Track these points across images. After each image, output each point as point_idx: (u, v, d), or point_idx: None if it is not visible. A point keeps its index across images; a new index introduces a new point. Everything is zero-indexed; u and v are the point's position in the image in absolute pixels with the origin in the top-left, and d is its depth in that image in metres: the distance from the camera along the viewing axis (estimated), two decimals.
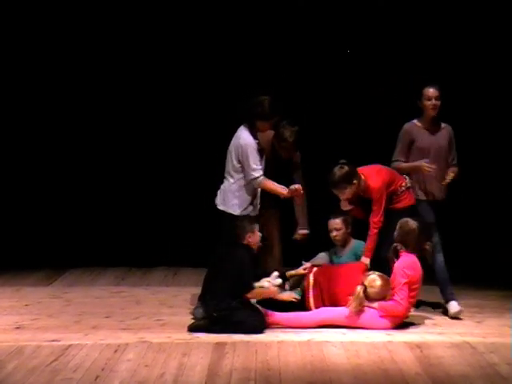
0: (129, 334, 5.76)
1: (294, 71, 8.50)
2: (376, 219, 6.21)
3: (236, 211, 6.23)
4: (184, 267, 8.29)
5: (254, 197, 6.32)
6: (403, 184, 6.36)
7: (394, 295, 5.88)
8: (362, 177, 6.25)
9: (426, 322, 6.19)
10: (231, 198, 6.28)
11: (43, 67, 8.59)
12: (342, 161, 6.25)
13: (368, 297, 5.88)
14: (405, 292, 5.84)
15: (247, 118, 6.30)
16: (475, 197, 8.58)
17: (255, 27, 8.46)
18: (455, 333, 5.83)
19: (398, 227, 6.03)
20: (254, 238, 6.00)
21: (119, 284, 7.76)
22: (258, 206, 6.39)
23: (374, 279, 5.93)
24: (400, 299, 5.84)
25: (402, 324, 5.98)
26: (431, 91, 6.49)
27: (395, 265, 5.95)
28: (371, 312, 5.90)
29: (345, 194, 6.26)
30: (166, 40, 8.55)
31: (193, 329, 5.84)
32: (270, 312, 5.97)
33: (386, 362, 5.11)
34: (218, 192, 6.40)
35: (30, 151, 8.73)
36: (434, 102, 6.48)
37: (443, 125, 6.60)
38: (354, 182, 6.21)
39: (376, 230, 6.22)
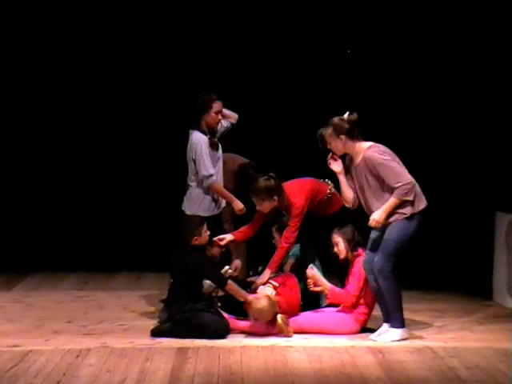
0: (91, 339, 5.72)
1: (293, 72, 8.55)
2: (288, 234, 6.11)
3: (204, 214, 6.30)
4: (147, 271, 8.25)
5: (216, 196, 6.43)
6: (327, 191, 6.27)
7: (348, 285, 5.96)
8: (285, 194, 6.16)
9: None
10: (196, 204, 6.36)
11: (43, 68, 8.56)
12: (271, 174, 6.18)
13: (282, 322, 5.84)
14: (359, 287, 5.90)
15: (193, 121, 6.39)
16: (433, 199, 8.70)
17: (253, 29, 8.50)
18: (416, 337, 5.89)
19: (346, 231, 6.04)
20: (201, 239, 5.96)
21: (82, 288, 7.70)
22: (222, 202, 6.46)
23: (262, 310, 5.83)
24: (352, 290, 5.90)
25: (364, 329, 6.02)
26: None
27: (355, 265, 5.99)
28: (337, 317, 5.94)
29: (262, 206, 6.17)
30: (152, 45, 8.58)
31: (156, 332, 5.82)
32: (233, 318, 5.97)
33: (348, 366, 5.14)
34: (185, 198, 6.47)
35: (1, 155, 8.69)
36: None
37: (362, 154, 5.73)
38: (275, 198, 6.12)
39: (286, 245, 6.12)
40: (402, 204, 5.65)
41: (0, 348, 5.41)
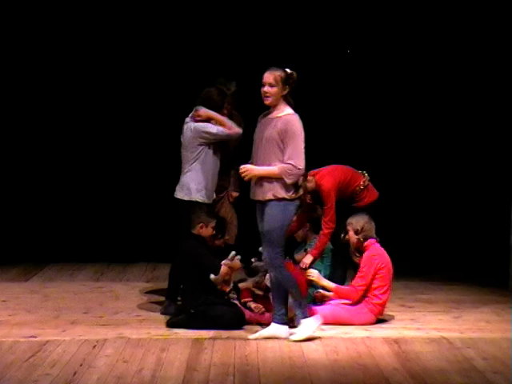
0: (107, 329, 5.75)
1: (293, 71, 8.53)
2: (327, 219, 6.11)
3: (192, 195, 6.20)
4: (163, 262, 8.26)
5: (207, 181, 6.27)
6: (361, 183, 6.28)
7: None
8: (313, 179, 6.18)
9: (404, 317, 6.22)
10: (188, 184, 6.25)
11: (43, 67, 8.62)
12: None
13: None
14: (364, 280, 5.89)
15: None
16: (450, 190, 8.70)
17: (253, 28, 8.49)
18: (432, 328, 5.87)
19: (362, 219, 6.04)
20: (206, 231, 5.97)
21: (98, 279, 7.74)
22: (214, 194, 6.40)
23: None
24: (357, 285, 5.89)
25: (380, 320, 6.01)
26: (265, 76, 5.47)
27: (364, 255, 6.00)
28: (352, 308, 5.93)
29: None
30: (155, 42, 8.59)
31: (171, 324, 5.83)
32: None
33: (365, 357, 5.14)
34: (178, 187, 6.37)
35: (7, 148, 8.72)
36: (265, 88, 5.45)
37: (286, 113, 5.46)
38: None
39: (327, 231, 6.11)
40: (279, 186, 5.39)
41: (18, 338, 5.45)
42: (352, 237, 6.03)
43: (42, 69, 8.64)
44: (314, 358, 5.10)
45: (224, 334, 5.60)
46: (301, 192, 5.51)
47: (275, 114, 5.48)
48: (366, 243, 6.00)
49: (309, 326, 5.48)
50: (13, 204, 8.73)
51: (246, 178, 5.47)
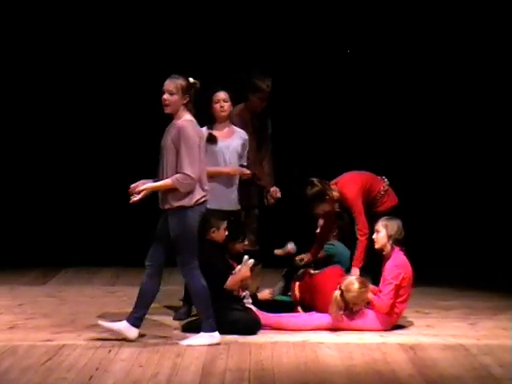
0: None
1: (293, 71, 8.53)
2: (358, 226, 6.14)
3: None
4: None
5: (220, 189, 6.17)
6: (381, 188, 6.30)
7: (380, 291, 5.92)
8: (336, 188, 6.22)
9: (420, 323, 6.20)
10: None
11: (43, 67, 8.68)
12: (312, 179, 6.20)
13: (347, 301, 5.84)
14: (390, 288, 5.85)
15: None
16: (473, 196, 8.67)
17: (253, 27, 8.49)
18: (449, 335, 5.84)
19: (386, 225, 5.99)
20: (219, 234, 5.92)
21: (114, 283, 7.77)
22: (235, 201, 6.29)
23: (351, 282, 5.86)
24: (383, 295, 5.86)
25: (396, 326, 5.99)
26: (165, 83, 5.42)
27: (388, 262, 5.96)
28: (364, 315, 5.91)
29: (323, 211, 6.26)
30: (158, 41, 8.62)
31: (187, 328, 5.84)
32: (264, 314, 5.97)
33: (380, 363, 5.12)
34: None
35: (21, 151, 8.78)
36: (164, 96, 5.43)
37: (182, 119, 5.44)
38: (327, 197, 6.18)
39: (362, 238, 6.12)
40: (176, 194, 5.37)
41: (34, 342, 5.47)
42: (383, 238, 5.99)
43: (42, 69, 8.68)
44: (329, 364, 5.09)
45: (239, 339, 5.61)
46: (200, 199, 5.41)
47: (174, 121, 5.45)
48: (394, 249, 5.97)
49: (202, 339, 5.45)
50: (31, 208, 8.79)
51: (142, 195, 5.42)
